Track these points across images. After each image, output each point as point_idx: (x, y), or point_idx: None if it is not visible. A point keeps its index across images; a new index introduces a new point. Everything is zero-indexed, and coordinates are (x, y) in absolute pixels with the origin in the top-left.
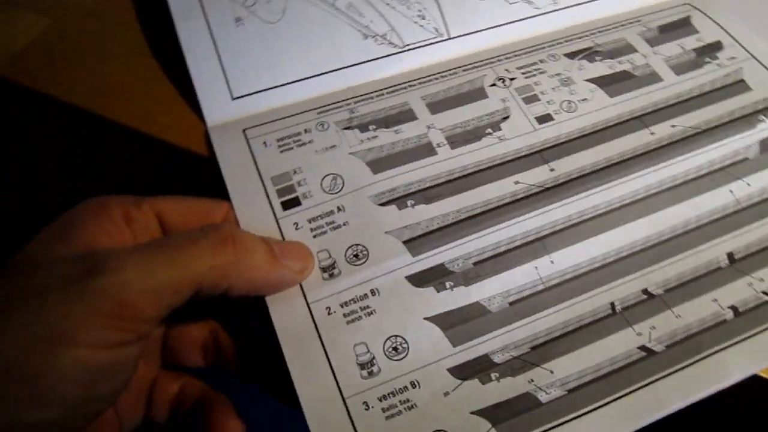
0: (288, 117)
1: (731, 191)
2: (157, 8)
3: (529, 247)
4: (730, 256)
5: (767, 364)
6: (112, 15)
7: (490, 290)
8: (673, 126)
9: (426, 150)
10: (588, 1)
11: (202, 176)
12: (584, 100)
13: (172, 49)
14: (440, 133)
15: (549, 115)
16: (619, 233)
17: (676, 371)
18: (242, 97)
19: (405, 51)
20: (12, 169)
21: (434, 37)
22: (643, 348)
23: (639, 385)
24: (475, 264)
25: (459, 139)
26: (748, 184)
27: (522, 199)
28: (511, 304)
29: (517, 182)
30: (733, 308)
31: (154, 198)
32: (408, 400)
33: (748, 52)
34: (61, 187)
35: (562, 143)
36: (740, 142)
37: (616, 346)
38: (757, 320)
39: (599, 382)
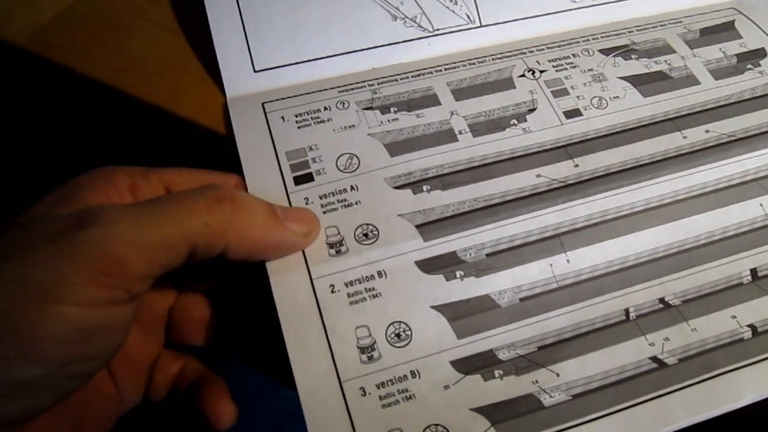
0: (309, 93)
1: (761, 205)
2: None
3: (545, 243)
4: (754, 272)
5: None
6: None
7: (502, 284)
8: (707, 131)
9: (447, 136)
10: None
11: (226, 155)
12: (616, 97)
13: (201, 24)
14: (463, 120)
15: (578, 110)
16: (641, 237)
17: (687, 387)
18: (264, 70)
19: (434, 36)
20: (35, 145)
21: (465, 24)
22: (654, 359)
23: (647, 397)
24: (488, 255)
25: (482, 127)
26: None
27: (542, 193)
28: (521, 300)
29: (538, 175)
30: (752, 327)
31: (162, 169)
32: (406, 390)
33: None
34: (84, 164)
35: (590, 140)
36: None
37: (627, 354)
38: None
39: (606, 390)
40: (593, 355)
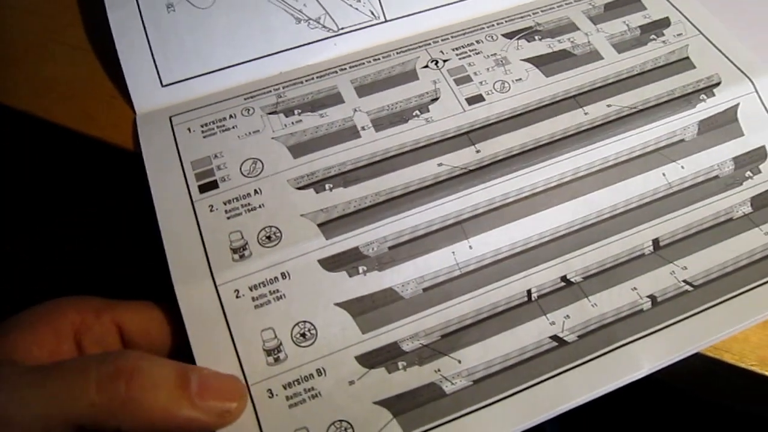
0: (216, 103)
1: (664, 174)
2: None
3: (447, 231)
4: (656, 242)
5: (678, 357)
6: (54, 12)
7: (404, 276)
8: (608, 105)
9: (350, 133)
10: None
11: (138, 173)
12: (519, 80)
13: (112, 42)
14: (366, 116)
15: (480, 95)
16: (543, 217)
17: (585, 362)
18: (172, 84)
19: (339, 35)
20: None
21: (370, 20)
22: (554, 338)
23: (546, 376)
24: (390, 248)
25: (384, 121)
26: (682, 167)
27: (444, 181)
28: (425, 290)
29: (440, 164)
30: (652, 297)
31: (116, 305)
32: (313, 389)
33: (696, 28)
34: None
35: (491, 124)
36: (678, 123)
37: (528, 335)
38: (673, 310)
39: (506, 373)
40: (495, 339)
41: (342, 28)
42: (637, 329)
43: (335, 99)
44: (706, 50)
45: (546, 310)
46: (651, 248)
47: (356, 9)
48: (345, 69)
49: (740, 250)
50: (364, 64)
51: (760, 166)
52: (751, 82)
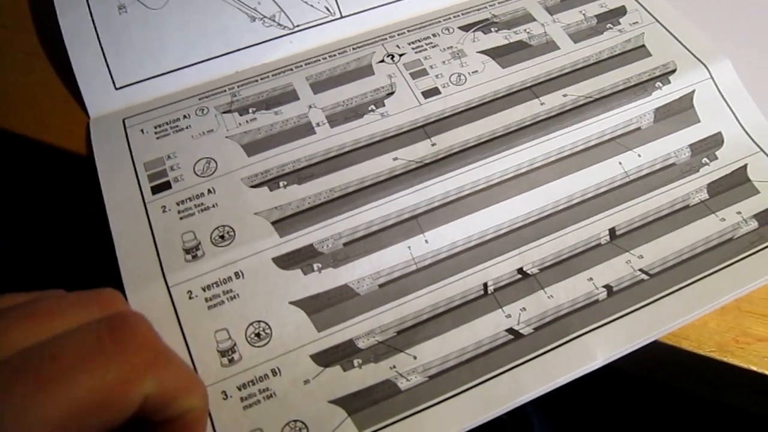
0: (170, 104)
1: (620, 163)
2: (50, 5)
3: (403, 226)
4: (612, 231)
5: (633, 347)
6: (9, 21)
7: (360, 272)
8: (564, 95)
9: (304, 130)
10: None
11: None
12: (475, 72)
13: (64, 47)
14: (321, 113)
15: (436, 88)
16: (499, 209)
17: (541, 355)
18: (126, 87)
19: (295, 32)
20: None
21: (326, 17)
22: (510, 331)
23: (501, 370)
24: (345, 245)
25: (339, 117)
26: (639, 155)
27: (399, 175)
28: (381, 286)
29: (396, 158)
30: (608, 287)
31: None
32: (267, 389)
33: (652, 15)
34: None
35: (447, 117)
36: (634, 111)
37: (484, 329)
38: (628, 300)
39: (462, 368)
40: (450, 333)
41: (297, 26)
42: (592, 320)
43: (290, 96)
44: (662, 38)
45: (502, 303)
46: (607, 238)
47: (312, 6)
48: (300, 66)
49: (697, 237)
50: (319, 60)
51: (717, 152)
52: (707, 68)
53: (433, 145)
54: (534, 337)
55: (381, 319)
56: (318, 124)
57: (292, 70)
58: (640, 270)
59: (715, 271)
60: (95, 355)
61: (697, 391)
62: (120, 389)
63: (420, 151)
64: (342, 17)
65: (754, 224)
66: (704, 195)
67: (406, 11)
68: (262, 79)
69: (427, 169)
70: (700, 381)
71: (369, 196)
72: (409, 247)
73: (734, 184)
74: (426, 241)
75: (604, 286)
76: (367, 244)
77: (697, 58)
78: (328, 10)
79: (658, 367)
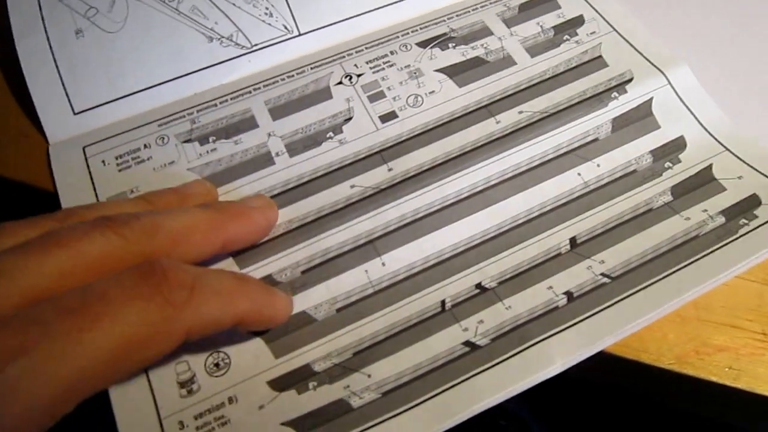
0: (130, 130)
1: (579, 174)
2: (5, 31)
3: (359, 251)
4: (573, 241)
5: (592, 350)
6: None
7: (317, 298)
8: (520, 112)
9: (264, 160)
10: None
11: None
12: (432, 92)
13: (21, 74)
14: (280, 141)
15: (393, 112)
16: (456, 229)
17: (497, 363)
18: (85, 111)
19: (253, 51)
20: None
21: (283, 35)
22: (467, 343)
23: (456, 381)
24: (303, 272)
25: (298, 145)
26: (598, 165)
27: (356, 202)
28: (338, 310)
29: (353, 186)
30: (568, 293)
31: None
32: (223, 416)
33: (609, 24)
34: None
35: (404, 141)
36: (591, 123)
37: (440, 344)
38: (589, 304)
39: (416, 383)
40: (406, 350)
41: (255, 45)
42: (550, 326)
43: (249, 123)
44: (619, 47)
45: (459, 318)
46: (568, 247)
47: (269, 24)
48: (259, 89)
49: (661, 237)
50: (278, 82)
51: (680, 156)
52: (664, 75)
53: (389, 170)
54: (491, 348)
55: (338, 343)
56: (277, 154)
57: (250, 92)
58: (602, 274)
59: (680, 268)
60: (135, 298)
61: (672, 404)
62: (162, 326)
63: (377, 177)
64: (300, 35)
65: (721, 220)
66: (668, 197)
67: (365, 27)
68: (221, 103)
69: (383, 195)
70: (667, 392)
71: (326, 224)
72: (366, 271)
73: (699, 184)
74: (383, 264)
75: (564, 293)
76: (323, 271)
77: (655, 66)
78: (285, 28)
79: (637, 380)
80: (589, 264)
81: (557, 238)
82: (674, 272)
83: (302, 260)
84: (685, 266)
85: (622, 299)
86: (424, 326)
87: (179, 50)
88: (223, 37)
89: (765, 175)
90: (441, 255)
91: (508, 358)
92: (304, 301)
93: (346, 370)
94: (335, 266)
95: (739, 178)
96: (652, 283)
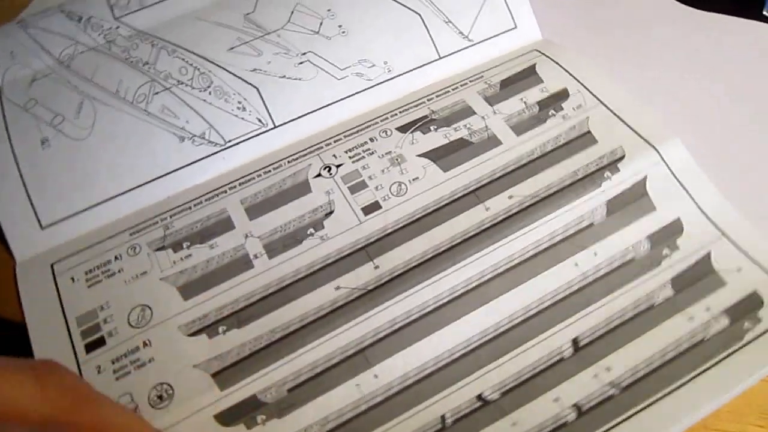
0: (100, 242)
1: (576, 264)
2: None
3: (349, 363)
4: (575, 342)
5: None
6: None
7: (307, 419)
8: (510, 197)
9: (242, 263)
10: (425, 64)
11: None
12: (416, 179)
13: None
14: (258, 242)
15: (377, 203)
16: (452, 331)
17: None
18: (52, 225)
19: (227, 148)
20: None
21: (258, 128)
22: None
23: None
24: (289, 391)
25: (278, 245)
26: (595, 254)
27: (342, 306)
28: (330, 431)
29: (338, 287)
30: (576, 407)
31: None
32: None
33: (595, 97)
34: None
35: (389, 234)
36: (585, 206)
37: None
38: (599, 419)
39: None
40: None
41: (229, 141)
42: None
43: (225, 225)
44: (608, 121)
45: None
46: (571, 350)
47: (242, 119)
48: (235, 188)
49: (666, 341)
50: (254, 179)
51: (678, 241)
52: (657, 150)
53: (376, 267)
54: None
55: None
56: (256, 256)
57: (226, 192)
58: (610, 383)
59: (690, 380)
60: None
61: None
62: None
63: (363, 276)
64: (275, 127)
65: (725, 321)
66: (669, 292)
67: (342, 114)
68: (195, 205)
69: (372, 296)
70: None
71: (311, 333)
72: (357, 385)
73: (699, 276)
74: (375, 376)
75: (572, 406)
76: (312, 388)
77: (646, 141)
78: (260, 121)
79: None
80: (596, 372)
81: (558, 339)
82: (684, 384)
83: (288, 377)
84: (695, 377)
85: (633, 414)
86: None
87: (150, 153)
88: (195, 135)
89: (764, 270)
90: (438, 362)
91: None
92: (293, 424)
93: None
94: (324, 382)
95: (738, 270)
96: (663, 397)
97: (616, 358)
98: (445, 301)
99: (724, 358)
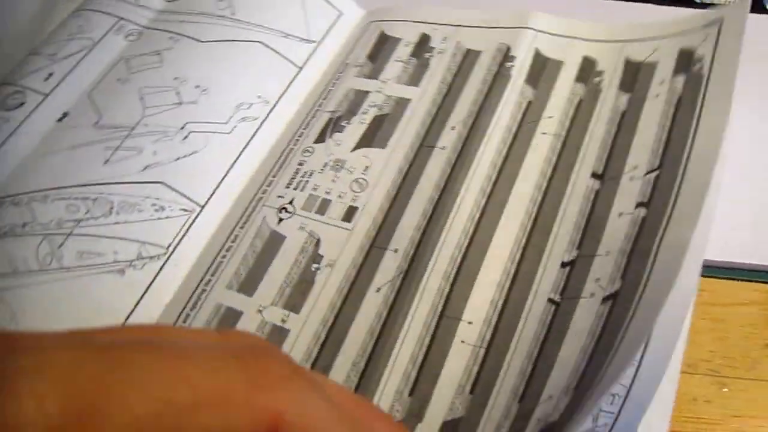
0: None
1: (544, 133)
2: None
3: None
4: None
5: None
6: None
7: None
8: (453, 128)
9: (277, 335)
10: (292, 79)
11: None
12: (367, 168)
13: None
14: (275, 309)
15: (351, 207)
16: (498, 238)
17: None
18: None
19: (172, 253)
20: None
21: (188, 218)
22: None
23: None
24: None
25: (296, 297)
26: (551, 117)
27: (395, 299)
28: None
29: (378, 289)
30: None
31: None
32: None
33: (451, 25)
34: None
35: (382, 222)
36: (513, 96)
37: None
38: None
39: None
40: None
41: (169, 245)
42: None
43: (233, 317)
44: (476, 34)
45: None
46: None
47: (167, 218)
48: (209, 281)
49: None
50: (221, 262)
51: (597, 79)
52: (530, 28)
53: (395, 251)
54: None
55: None
56: (283, 320)
57: (205, 290)
58: None
59: None
60: None
61: None
62: None
63: (390, 266)
64: (203, 207)
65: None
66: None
67: (254, 159)
68: (187, 318)
69: (411, 274)
70: None
71: (386, 344)
72: None
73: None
74: (470, 323)
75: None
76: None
77: (519, 27)
78: (185, 210)
79: None
80: None
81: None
82: None
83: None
84: None
85: None
86: None
87: (95, 307)
88: (132, 260)
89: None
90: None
91: None
92: None
93: None
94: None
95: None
96: None
97: None
98: (471, 232)
99: None
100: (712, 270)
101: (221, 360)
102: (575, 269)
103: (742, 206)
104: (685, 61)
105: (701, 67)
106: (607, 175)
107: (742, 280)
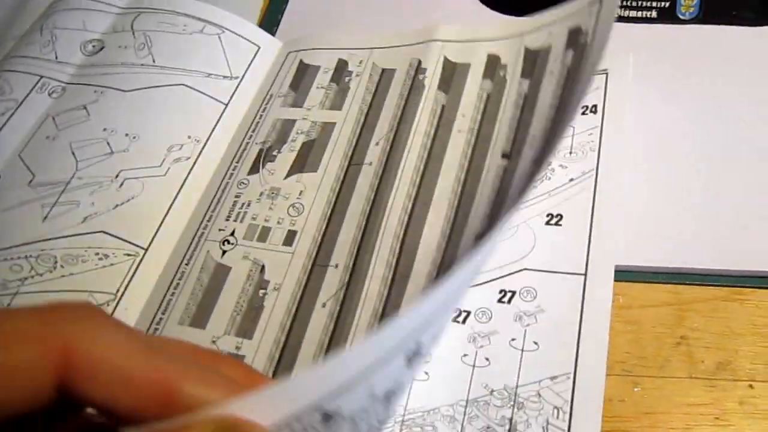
0: None
1: (459, 131)
2: None
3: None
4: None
5: None
6: None
7: None
8: (376, 144)
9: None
10: (220, 116)
11: None
12: (301, 192)
13: None
14: (229, 338)
15: (291, 231)
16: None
17: None
18: None
19: (120, 299)
20: None
21: (132, 262)
22: None
23: None
24: None
25: (246, 325)
26: (463, 115)
27: (338, 316)
28: None
29: (323, 304)
30: None
31: None
32: None
33: (361, 49)
34: None
35: (322, 241)
36: (430, 103)
37: None
38: None
39: None
40: None
41: (117, 291)
42: None
43: None
44: (387, 55)
45: None
46: None
47: (112, 264)
48: (161, 320)
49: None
50: (170, 299)
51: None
52: (437, 40)
53: (335, 267)
54: None
55: None
56: (237, 347)
57: (157, 329)
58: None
59: None
60: None
61: None
62: None
63: (333, 281)
64: (147, 249)
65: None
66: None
67: (192, 197)
68: None
69: (350, 293)
70: None
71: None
72: None
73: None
74: None
75: None
76: None
77: (418, 42)
78: (128, 255)
79: None
80: None
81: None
82: None
83: None
84: None
85: None
86: None
87: None
88: None
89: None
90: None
91: None
92: None
93: None
94: None
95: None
96: None
97: None
98: (401, 234)
99: None
100: (626, 274)
101: (27, 311)
102: None
103: (653, 212)
104: (574, 37)
105: (585, 38)
106: (513, 152)
107: (654, 282)
